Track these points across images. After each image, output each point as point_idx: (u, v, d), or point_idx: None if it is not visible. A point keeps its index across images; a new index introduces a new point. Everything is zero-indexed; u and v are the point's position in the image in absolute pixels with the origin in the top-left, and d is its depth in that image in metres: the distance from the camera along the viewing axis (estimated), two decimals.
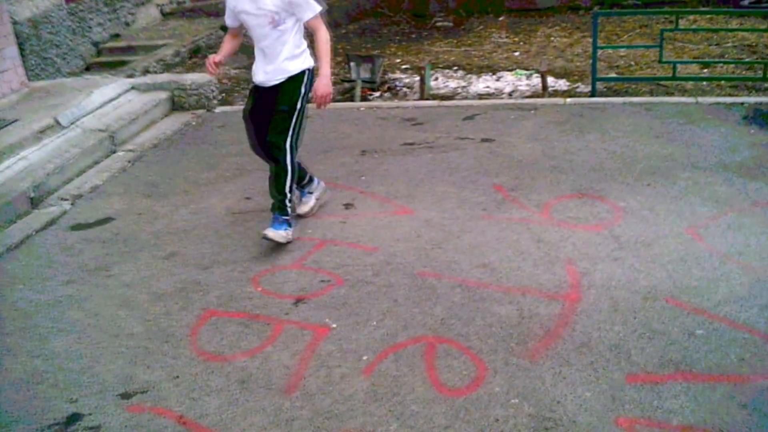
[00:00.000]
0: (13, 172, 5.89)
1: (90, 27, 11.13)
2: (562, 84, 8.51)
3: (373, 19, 12.49)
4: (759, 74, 7.90)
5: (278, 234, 4.62)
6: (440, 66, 9.63)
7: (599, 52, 7.73)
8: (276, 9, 4.41)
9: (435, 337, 3.66)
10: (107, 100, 7.51)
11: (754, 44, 9.21)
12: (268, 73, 4.60)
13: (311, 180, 5.12)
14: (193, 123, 7.59)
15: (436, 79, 9.13)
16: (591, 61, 7.69)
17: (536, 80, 8.63)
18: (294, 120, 4.60)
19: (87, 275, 4.58)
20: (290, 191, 4.69)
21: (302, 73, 4.61)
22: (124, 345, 3.81)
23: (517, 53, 10.04)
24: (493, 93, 8.54)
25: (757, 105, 6.73)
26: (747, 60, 8.57)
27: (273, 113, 4.61)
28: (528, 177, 5.52)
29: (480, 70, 9.32)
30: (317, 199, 5.17)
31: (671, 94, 7.71)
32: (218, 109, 8.02)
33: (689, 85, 7.90)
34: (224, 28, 5.10)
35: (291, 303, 4.07)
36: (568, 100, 7.44)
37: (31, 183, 5.71)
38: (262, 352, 3.65)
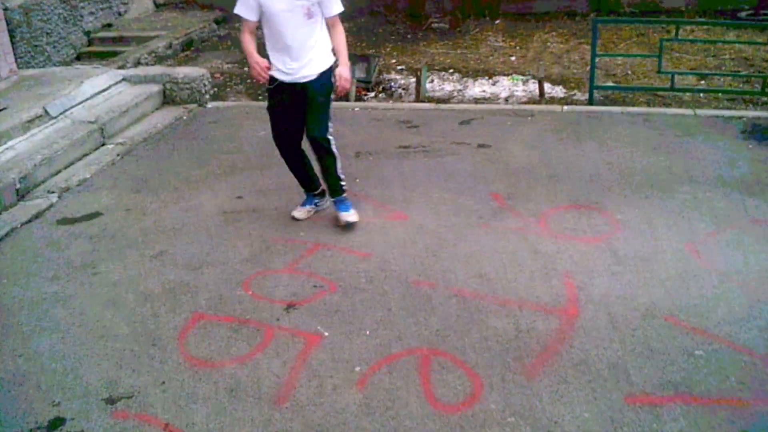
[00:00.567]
0: (0, 163, 5.76)
1: (82, 16, 10.96)
2: (558, 91, 8.44)
3: (368, 18, 12.37)
4: (756, 88, 7.88)
5: (353, 213, 4.91)
6: (436, 68, 9.54)
7: (596, 59, 7.65)
8: (312, 0, 4.42)
9: (430, 350, 3.58)
10: (98, 91, 7.37)
11: (750, 57, 9.18)
12: (297, 69, 4.55)
13: (323, 194, 5.09)
14: (185, 117, 7.46)
15: (432, 81, 9.04)
16: (588, 68, 7.63)
17: (533, 86, 8.56)
18: (330, 111, 4.74)
19: (73, 272, 4.47)
20: (342, 172, 4.89)
21: (331, 66, 4.67)
22: (109, 347, 3.71)
23: (513, 58, 9.96)
24: (489, 97, 8.46)
25: (756, 119, 6.68)
26: (745, 73, 8.54)
27: (306, 108, 4.65)
28: (525, 185, 5.45)
29: (476, 74, 9.24)
30: (317, 207, 5.11)
31: (669, 105, 7.66)
32: (210, 104, 7.90)
33: (687, 96, 7.85)
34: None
35: (282, 308, 3.98)
36: (566, 107, 7.37)
37: (17, 174, 5.58)
38: (252, 360, 3.55)
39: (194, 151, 6.49)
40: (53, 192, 5.63)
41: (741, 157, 5.81)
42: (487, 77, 9.10)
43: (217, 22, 12.23)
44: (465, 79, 9.11)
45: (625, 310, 3.83)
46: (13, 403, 3.32)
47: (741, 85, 8.26)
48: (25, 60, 9.40)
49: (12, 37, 8.94)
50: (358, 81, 8.68)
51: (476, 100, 8.34)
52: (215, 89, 8.69)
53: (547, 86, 8.36)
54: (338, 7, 4.57)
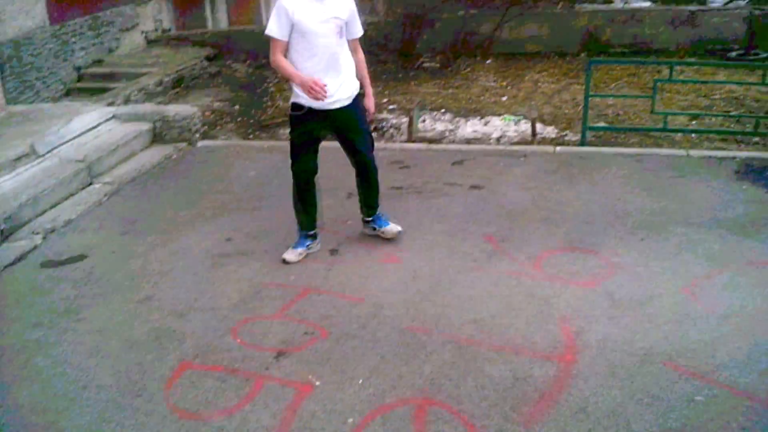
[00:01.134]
0: None
1: (73, 51, 10.93)
2: (550, 131, 8.42)
3: None
4: (748, 128, 7.88)
5: (396, 226, 5.17)
6: (427, 107, 9.53)
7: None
8: (346, 18, 4.45)
9: (425, 399, 3.46)
10: (87, 128, 7.30)
11: (741, 96, 9.23)
12: (334, 93, 4.48)
13: (316, 236, 5.04)
14: (174, 157, 7.39)
15: (424, 121, 9.02)
16: (580, 108, 7.62)
17: (525, 126, 8.54)
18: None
19: (56, 318, 4.34)
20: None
21: (360, 93, 4.73)
22: (93, 398, 3.57)
23: (504, 98, 9.97)
24: (481, 137, 8.43)
25: (749, 160, 6.66)
26: (736, 113, 8.56)
27: (350, 134, 4.71)
28: (518, 228, 5.37)
29: (468, 114, 9.23)
30: (308, 250, 5.02)
31: (660, 145, 7.65)
32: (200, 143, 7.83)
33: (678, 135, 7.85)
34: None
35: (272, 356, 3.86)
36: (558, 148, 7.34)
37: (2, 214, 5.47)
38: (241, 411, 3.42)
39: (183, 191, 6.40)
40: (38, 233, 5.51)
41: (735, 199, 5.77)
42: (479, 117, 9.08)
43: (208, 59, 12.21)
44: (457, 118, 9.09)
45: (623, 356, 3.74)
46: None
47: (732, 125, 8.28)
48: (13, 96, 9.30)
49: (2, 71, 8.88)
50: None
51: (468, 140, 8.31)
52: (205, 127, 8.64)
53: (538, 126, 8.35)
54: (361, 30, 4.65)
